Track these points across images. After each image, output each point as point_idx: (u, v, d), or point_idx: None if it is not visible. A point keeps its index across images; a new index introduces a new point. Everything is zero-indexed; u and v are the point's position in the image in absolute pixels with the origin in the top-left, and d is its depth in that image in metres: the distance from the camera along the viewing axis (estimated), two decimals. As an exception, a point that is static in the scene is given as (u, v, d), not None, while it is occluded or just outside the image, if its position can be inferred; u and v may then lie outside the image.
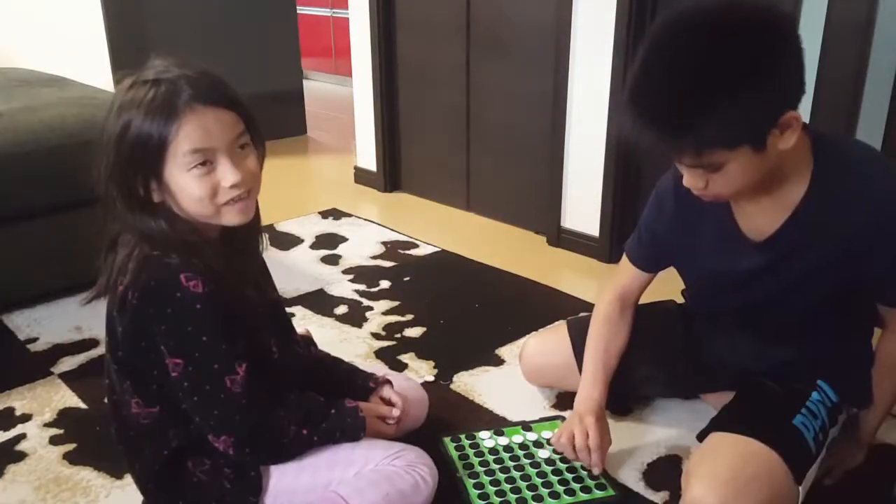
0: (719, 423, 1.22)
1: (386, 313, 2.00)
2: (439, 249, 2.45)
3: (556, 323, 1.61)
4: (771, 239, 1.17)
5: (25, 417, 1.54)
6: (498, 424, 1.48)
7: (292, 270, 2.28)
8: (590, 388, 1.38)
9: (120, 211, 1.07)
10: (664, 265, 1.41)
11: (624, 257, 1.44)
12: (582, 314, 1.61)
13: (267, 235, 1.28)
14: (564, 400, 1.58)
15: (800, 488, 1.12)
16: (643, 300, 1.57)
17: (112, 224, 1.09)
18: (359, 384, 1.35)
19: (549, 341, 1.57)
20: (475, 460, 1.37)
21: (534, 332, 1.60)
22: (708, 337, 1.43)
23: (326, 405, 1.20)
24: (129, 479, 1.34)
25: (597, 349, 1.41)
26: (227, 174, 1.05)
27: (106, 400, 1.19)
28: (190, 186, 1.04)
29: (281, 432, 1.13)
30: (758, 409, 1.24)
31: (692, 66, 1.00)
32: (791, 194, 1.14)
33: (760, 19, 1.01)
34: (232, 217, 1.09)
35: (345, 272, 2.27)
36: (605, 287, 1.48)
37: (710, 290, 1.36)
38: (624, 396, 1.54)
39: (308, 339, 1.42)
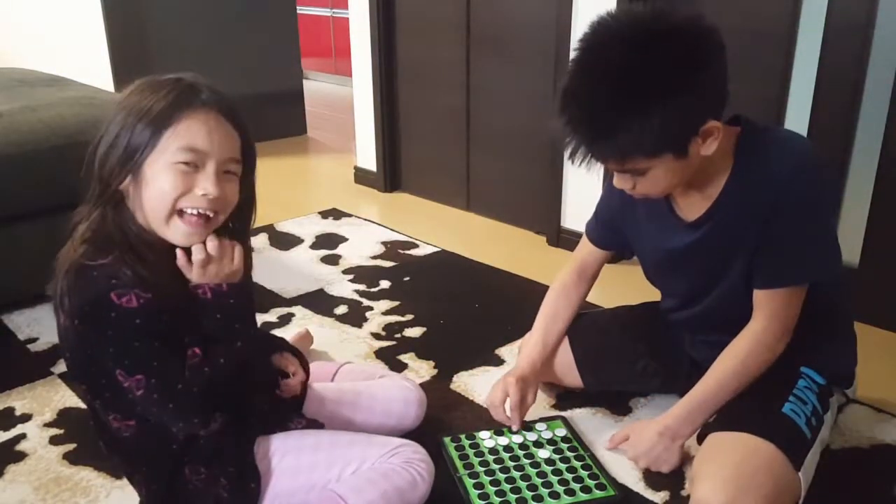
0: (715, 424, 1.23)
1: (386, 313, 2.00)
2: (439, 249, 2.45)
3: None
4: (698, 220, 1.24)
5: (25, 417, 1.54)
6: (498, 424, 1.48)
7: (292, 270, 2.28)
8: (529, 351, 1.49)
9: (89, 198, 1.04)
10: (617, 244, 1.48)
11: (584, 233, 1.51)
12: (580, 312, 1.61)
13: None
14: (564, 400, 1.58)
15: (800, 475, 1.13)
16: (644, 298, 1.57)
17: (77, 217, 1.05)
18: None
19: None
20: (475, 460, 1.37)
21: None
22: (681, 336, 1.47)
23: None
24: (129, 479, 1.34)
25: (546, 314, 1.51)
26: (206, 183, 1.03)
27: (92, 422, 1.16)
28: (165, 178, 1.01)
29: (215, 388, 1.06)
30: (747, 404, 1.26)
31: (616, 76, 1.04)
32: (715, 187, 1.21)
33: (686, 32, 1.05)
34: (178, 231, 1.04)
35: (345, 272, 2.27)
36: (567, 262, 1.56)
37: (656, 270, 1.41)
38: (623, 388, 1.57)
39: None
